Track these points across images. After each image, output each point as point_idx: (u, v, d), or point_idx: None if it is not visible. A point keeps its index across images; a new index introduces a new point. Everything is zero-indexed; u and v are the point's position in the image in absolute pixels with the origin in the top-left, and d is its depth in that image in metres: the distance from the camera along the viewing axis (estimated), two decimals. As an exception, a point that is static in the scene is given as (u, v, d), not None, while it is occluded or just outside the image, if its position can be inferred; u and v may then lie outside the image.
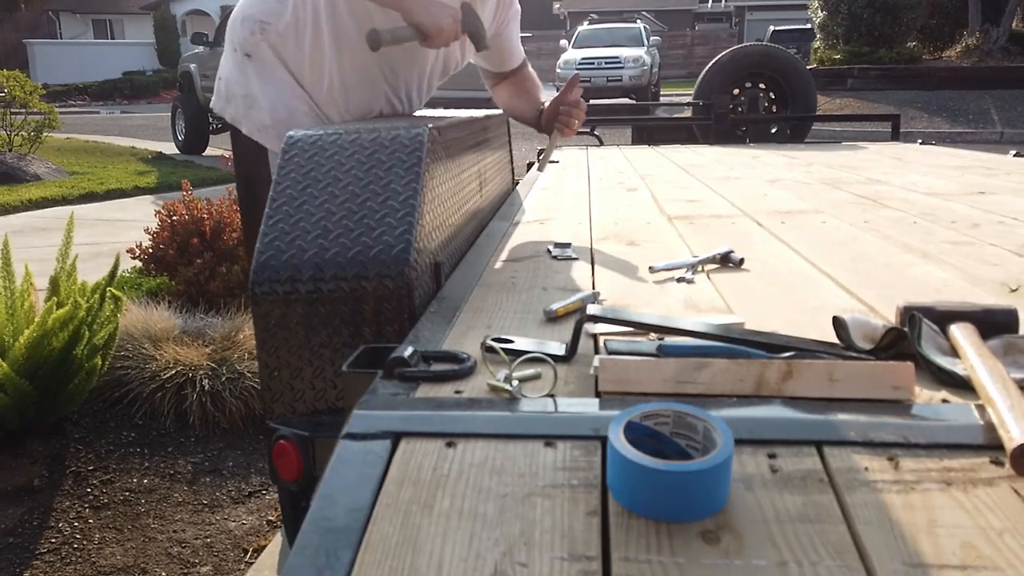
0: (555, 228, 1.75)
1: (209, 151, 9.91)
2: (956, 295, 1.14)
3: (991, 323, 0.87)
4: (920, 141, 4.29)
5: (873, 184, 2.45)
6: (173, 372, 2.63)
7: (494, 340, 0.87)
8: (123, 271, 3.43)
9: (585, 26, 18.81)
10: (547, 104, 1.89)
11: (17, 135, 8.37)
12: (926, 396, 0.76)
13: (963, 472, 0.63)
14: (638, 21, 18.89)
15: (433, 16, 1.50)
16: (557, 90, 1.87)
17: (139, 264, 3.58)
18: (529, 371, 0.82)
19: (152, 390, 2.61)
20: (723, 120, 4.56)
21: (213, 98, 1.78)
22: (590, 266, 1.37)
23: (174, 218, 3.48)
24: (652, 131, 5.29)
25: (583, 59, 16.10)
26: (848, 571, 0.52)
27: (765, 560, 0.53)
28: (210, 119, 9.68)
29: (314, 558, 0.54)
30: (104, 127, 14.54)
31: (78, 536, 2.06)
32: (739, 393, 0.75)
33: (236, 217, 3.37)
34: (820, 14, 15.21)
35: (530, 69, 2.03)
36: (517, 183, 2.57)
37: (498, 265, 1.38)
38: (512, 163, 2.53)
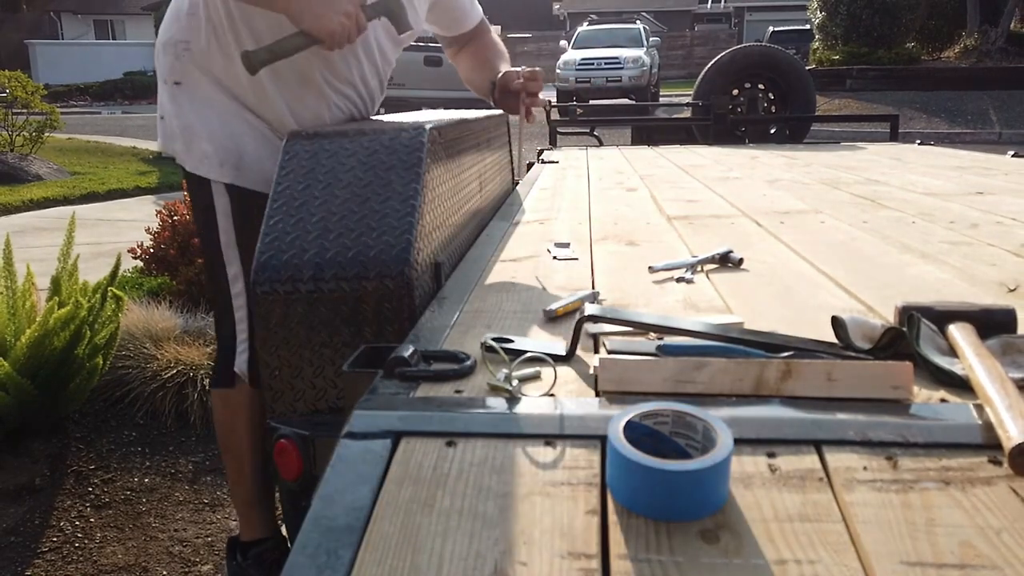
0: (555, 228, 1.75)
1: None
2: (954, 295, 1.14)
3: (989, 323, 0.87)
4: (919, 141, 4.28)
5: (872, 184, 2.45)
6: (174, 371, 2.64)
7: (494, 340, 0.87)
8: (124, 271, 3.43)
9: (585, 27, 18.81)
10: (500, 77, 1.71)
11: (19, 135, 8.38)
12: (924, 396, 0.77)
13: (961, 471, 0.63)
14: (637, 22, 18.89)
15: (319, 19, 1.33)
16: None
17: (140, 264, 3.59)
18: (529, 371, 0.82)
19: (153, 389, 2.62)
20: (722, 120, 4.56)
21: (159, 138, 1.57)
22: (590, 266, 1.37)
23: (175, 218, 3.48)
24: (651, 131, 5.30)
25: (583, 60, 16.10)
26: (846, 570, 0.52)
27: (764, 559, 0.53)
28: None
29: (315, 557, 0.54)
30: (105, 127, 14.53)
31: (79, 535, 2.06)
32: (738, 393, 0.76)
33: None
34: (819, 15, 15.21)
35: (493, 35, 1.85)
36: (517, 183, 2.57)
37: (498, 265, 1.38)
38: (512, 163, 2.53)
